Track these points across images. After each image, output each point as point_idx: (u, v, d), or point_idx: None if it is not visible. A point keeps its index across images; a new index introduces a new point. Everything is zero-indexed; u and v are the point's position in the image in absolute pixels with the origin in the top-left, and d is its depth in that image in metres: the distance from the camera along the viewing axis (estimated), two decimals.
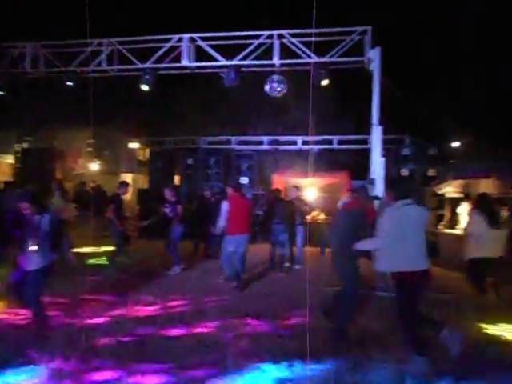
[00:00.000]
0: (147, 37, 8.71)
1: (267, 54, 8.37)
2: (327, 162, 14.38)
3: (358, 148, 13.98)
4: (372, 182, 7.23)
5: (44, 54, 9.07)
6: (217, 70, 8.74)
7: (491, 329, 5.09)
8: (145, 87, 8.73)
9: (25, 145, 14.39)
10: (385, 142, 8.93)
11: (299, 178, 12.45)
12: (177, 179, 14.76)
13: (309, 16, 4.37)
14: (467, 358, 3.86)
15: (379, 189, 7.04)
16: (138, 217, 12.21)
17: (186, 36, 8.57)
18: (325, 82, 8.06)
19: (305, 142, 14.41)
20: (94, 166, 15.38)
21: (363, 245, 4.25)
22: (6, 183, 10.89)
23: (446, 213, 10.70)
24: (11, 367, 3.73)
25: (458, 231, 8.90)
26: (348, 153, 14.94)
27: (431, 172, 12.46)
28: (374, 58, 7.57)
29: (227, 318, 5.20)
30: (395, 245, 3.87)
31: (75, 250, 8.74)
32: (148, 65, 8.69)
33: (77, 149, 14.97)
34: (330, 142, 14.30)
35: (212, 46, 8.57)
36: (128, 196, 9.27)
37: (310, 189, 12.65)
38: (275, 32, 8.27)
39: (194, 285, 7.01)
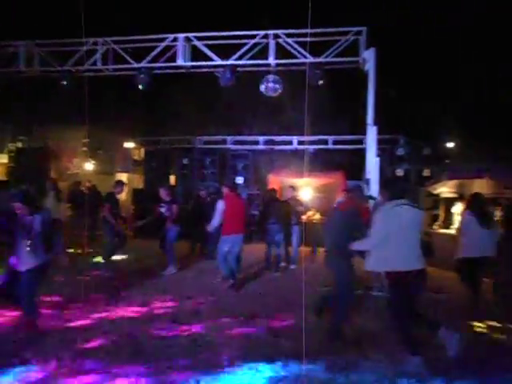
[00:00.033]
0: (142, 36, 8.68)
1: (263, 53, 8.37)
2: (322, 161, 14.43)
3: (353, 148, 14.01)
4: (367, 181, 7.25)
5: (38, 52, 9.00)
6: (212, 70, 8.72)
7: (485, 328, 5.11)
8: (140, 87, 8.69)
9: (19, 144, 14.25)
10: (380, 142, 8.99)
11: (295, 178, 12.43)
12: (172, 179, 14.72)
13: (304, 16, 4.38)
14: (462, 358, 3.88)
15: (374, 189, 7.07)
16: (133, 217, 12.17)
17: (182, 35, 8.54)
18: (320, 82, 8.07)
19: (300, 142, 14.40)
20: (89, 166, 15.28)
21: (357, 245, 4.27)
22: (0, 183, 10.81)
23: (441, 213, 10.73)
24: (2, 368, 3.69)
25: (452, 231, 8.93)
26: (343, 153, 15.00)
27: (426, 172, 12.53)
28: (368, 58, 7.60)
29: (222, 318, 5.19)
30: (388, 245, 3.88)
31: (68, 250, 8.75)
32: (143, 64, 8.65)
33: (71, 148, 14.85)
34: (326, 142, 14.31)
35: (207, 46, 8.57)
36: (123, 196, 9.23)
37: (306, 189, 12.64)
38: (271, 32, 8.27)
39: (189, 285, 7.00)
